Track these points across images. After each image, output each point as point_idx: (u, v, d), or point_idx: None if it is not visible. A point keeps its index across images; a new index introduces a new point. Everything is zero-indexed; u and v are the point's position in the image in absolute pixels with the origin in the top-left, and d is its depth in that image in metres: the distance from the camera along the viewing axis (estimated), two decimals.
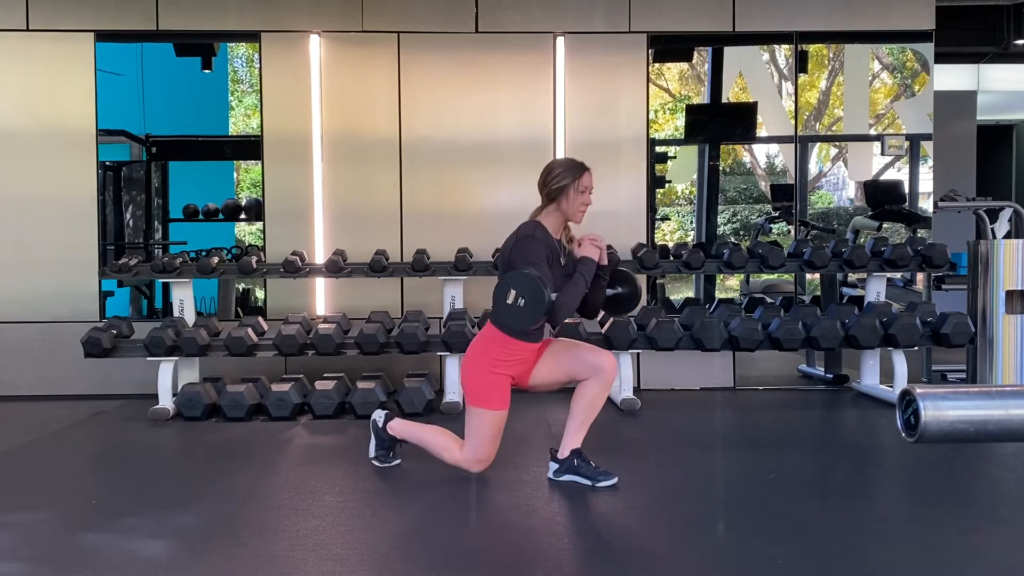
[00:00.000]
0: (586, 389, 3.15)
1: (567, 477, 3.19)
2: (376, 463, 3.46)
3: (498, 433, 3.16)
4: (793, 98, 5.84)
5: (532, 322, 2.94)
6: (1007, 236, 5.19)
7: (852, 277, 5.93)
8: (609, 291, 3.41)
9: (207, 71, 6.18)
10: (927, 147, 6.26)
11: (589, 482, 3.15)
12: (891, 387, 4.88)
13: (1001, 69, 8.43)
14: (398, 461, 3.49)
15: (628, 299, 3.42)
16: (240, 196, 7.39)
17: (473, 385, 3.13)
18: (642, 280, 5.56)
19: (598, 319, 4.93)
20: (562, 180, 3.12)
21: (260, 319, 5.03)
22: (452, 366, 4.73)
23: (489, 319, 3.13)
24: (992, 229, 5.22)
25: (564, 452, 3.20)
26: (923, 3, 5.63)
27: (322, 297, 5.54)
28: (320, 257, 5.44)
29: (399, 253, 5.46)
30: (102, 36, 5.45)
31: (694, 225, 6.48)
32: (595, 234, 3.20)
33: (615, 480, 3.15)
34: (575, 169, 3.16)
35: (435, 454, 3.28)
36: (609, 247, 5.04)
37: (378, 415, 3.48)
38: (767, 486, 3.23)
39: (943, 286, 5.51)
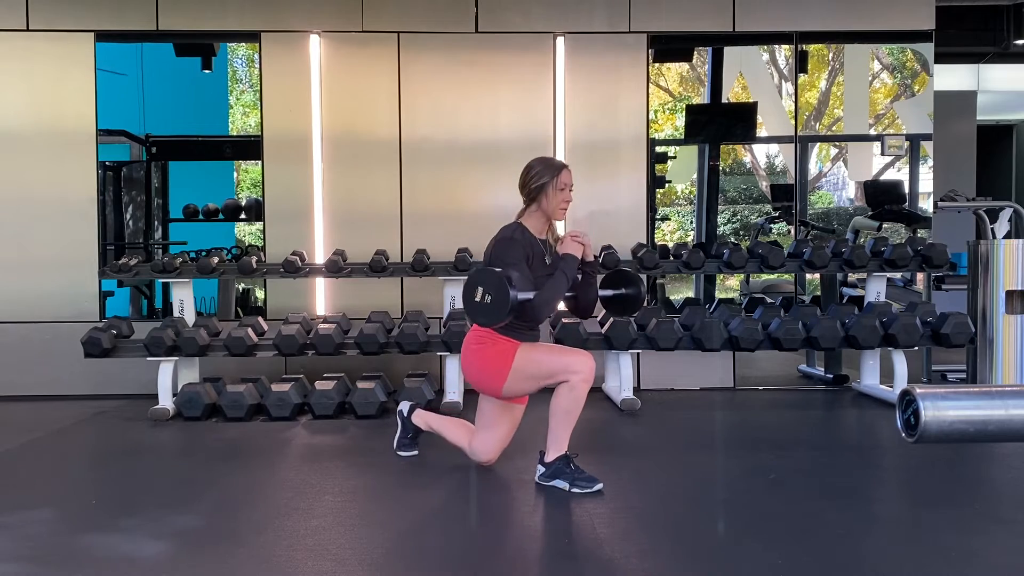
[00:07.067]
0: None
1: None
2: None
3: (542, 350, 3.16)
4: (793, 98, 5.84)
5: (499, 319, 2.94)
6: (1007, 236, 5.19)
7: (852, 277, 5.93)
8: (612, 292, 3.40)
9: (207, 71, 6.18)
10: (927, 147, 6.26)
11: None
12: (891, 387, 4.88)
13: (1001, 69, 8.43)
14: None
15: (632, 300, 3.42)
16: (240, 196, 7.39)
17: (480, 371, 3.14)
18: (642, 280, 5.55)
19: (599, 319, 4.93)
20: (540, 179, 3.14)
21: (260, 319, 5.03)
22: (452, 366, 4.73)
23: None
24: (992, 229, 5.22)
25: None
26: (923, 3, 5.63)
27: (322, 297, 5.54)
28: (320, 257, 5.44)
29: (399, 253, 5.46)
30: (102, 36, 5.45)
31: (694, 225, 6.48)
32: (578, 231, 3.20)
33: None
34: (553, 168, 3.17)
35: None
36: (608, 247, 5.08)
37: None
38: (767, 486, 3.23)
39: (943, 286, 5.51)
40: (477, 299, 2.95)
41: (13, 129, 5.44)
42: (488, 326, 3.04)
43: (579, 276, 3.26)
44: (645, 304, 5.34)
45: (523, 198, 3.21)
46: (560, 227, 3.45)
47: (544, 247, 3.21)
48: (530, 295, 3.00)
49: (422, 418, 3.58)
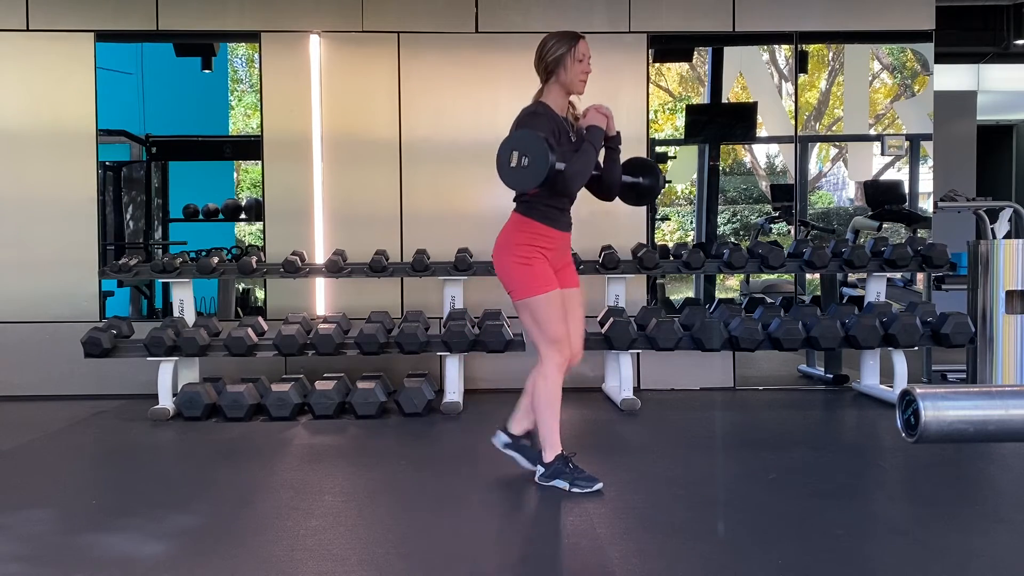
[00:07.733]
0: (537, 390, 3.11)
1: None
2: (575, 489, 3.07)
3: (560, 314, 3.08)
4: (793, 98, 5.84)
5: (535, 183, 2.86)
6: (1007, 236, 5.18)
7: (852, 277, 5.93)
8: (629, 179, 3.36)
9: (207, 71, 6.18)
10: (927, 147, 6.25)
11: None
12: (891, 387, 4.88)
13: (1001, 69, 8.43)
14: (599, 485, 3.11)
15: (648, 190, 3.39)
16: (240, 196, 7.39)
17: (510, 277, 3.10)
18: (642, 280, 5.56)
19: (600, 322, 4.93)
20: (557, 51, 3.09)
21: (260, 319, 5.03)
22: (452, 366, 4.73)
23: (514, 209, 3.12)
24: (992, 229, 5.22)
25: (517, 430, 3.20)
26: (923, 3, 5.63)
27: (322, 297, 5.53)
28: (320, 257, 5.44)
29: (399, 253, 5.46)
30: (102, 36, 5.45)
31: (694, 225, 6.48)
32: (601, 104, 3.13)
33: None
34: (569, 38, 3.11)
35: (547, 400, 3.10)
36: (608, 247, 5.07)
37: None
38: (767, 487, 3.23)
39: (943, 286, 5.50)
40: (513, 164, 2.85)
41: (13, 129, 5.43)
42: (523, 190, 3.00)
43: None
44: (645, 304, 5.37)
45: (540, 76, 3.15)
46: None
47: (567, 125, 3.15)
48: (562, 165, 2.94)
49: (518, 424, 3.29)
